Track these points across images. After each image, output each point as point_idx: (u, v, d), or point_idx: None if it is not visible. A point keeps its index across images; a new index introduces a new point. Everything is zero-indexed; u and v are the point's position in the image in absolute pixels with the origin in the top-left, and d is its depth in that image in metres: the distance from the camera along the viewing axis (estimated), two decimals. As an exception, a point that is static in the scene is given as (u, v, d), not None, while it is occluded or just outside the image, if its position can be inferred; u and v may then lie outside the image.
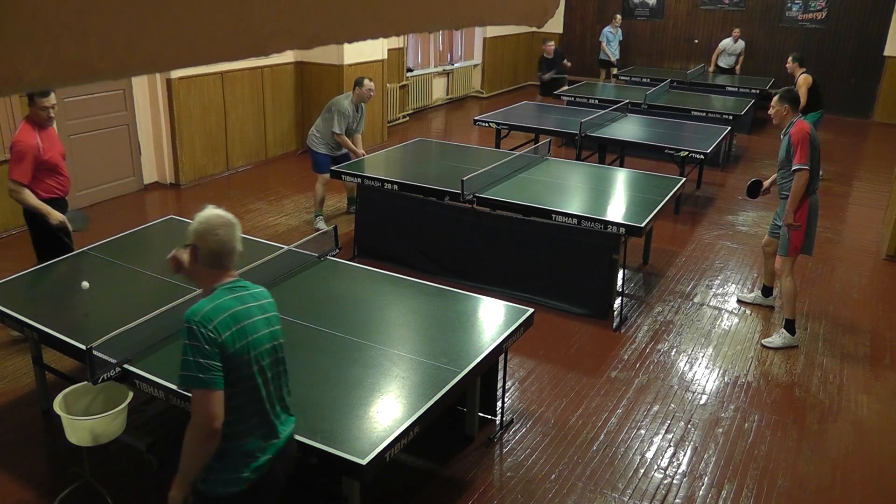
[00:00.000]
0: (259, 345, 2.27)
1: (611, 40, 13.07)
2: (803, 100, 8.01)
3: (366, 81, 6.66)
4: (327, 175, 6.63)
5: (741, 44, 12.60)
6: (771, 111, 4.88)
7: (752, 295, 5.64)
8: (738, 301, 5.65)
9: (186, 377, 2.14)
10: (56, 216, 4.43)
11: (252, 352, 2.24)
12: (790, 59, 6.87)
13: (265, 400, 2.32)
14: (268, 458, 2.33)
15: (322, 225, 6.99)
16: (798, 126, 4.71)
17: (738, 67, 12.66)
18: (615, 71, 13.17)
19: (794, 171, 4.67)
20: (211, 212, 2.29)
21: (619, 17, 13.34)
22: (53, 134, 4.61)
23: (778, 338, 4.96)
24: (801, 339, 5.08)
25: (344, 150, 6.84)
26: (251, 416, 2.28)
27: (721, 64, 12.75)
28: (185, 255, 2.28)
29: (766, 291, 5.56)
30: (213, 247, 2.24)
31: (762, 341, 5.01)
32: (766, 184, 5.43)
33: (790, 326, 4.95)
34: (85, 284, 3.87)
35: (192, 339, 2.14)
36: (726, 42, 12.62)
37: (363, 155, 6.83)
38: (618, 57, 13.29)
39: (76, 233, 4.64)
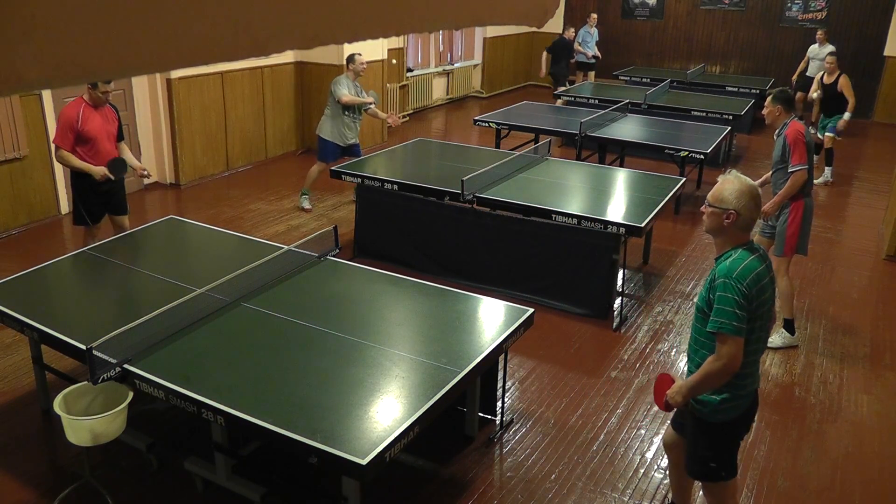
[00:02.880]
0: (770, 300, 2.65)
1: (587, 41, 12.47)
2: (852, 100, 8.21)
3: (356, 56, 6.92)
4: (326, 164, 6.85)
5: (829, 47, 10.17)
6: (764, 111, 4.90)
7: None
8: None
9: (723, 324, 2.51)
10: (98, 171, 4.95)
11: (764, 307, 2.60)
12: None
13: (762, 348, 2.73)
14: (754, 394, 2.78)
15: (306, 204, 7.20)
16: (792, 127, 4.71)
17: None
18: (592, 74, 12.66)
19: (792, 171, 4.67)
20: (745, 179, 2.65)
21: (594, 16, 12.71)
22: (106, 113, 5.09)
23: (778, 338, 4.96)
24: (801, 339, 5.08)
25: (353, 141, 7.04)
26: (754, 362, 2.70)
27: (810, 73, 10.42)
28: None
29: None
30: (753, 214, 2.61)
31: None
32: (756, 182, 5.44)
33: (790, 326, 4.96)
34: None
35: (731, 292, 2.50)
36: (813, 48, 10.69)
37: (393, 121, 7.39)
38: (598, 56, 12.51)
39: (121, 178, 5.19)
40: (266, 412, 2.81)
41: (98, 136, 4.99)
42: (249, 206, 7.54)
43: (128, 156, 5.27)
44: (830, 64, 8.38)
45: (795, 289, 4.91)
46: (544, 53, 11.66)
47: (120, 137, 5.24)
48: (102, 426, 3.07)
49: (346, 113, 6.94)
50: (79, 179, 5.07)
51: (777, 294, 5.07)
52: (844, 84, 8.35)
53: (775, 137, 4.87)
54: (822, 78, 8.57)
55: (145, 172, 5.36)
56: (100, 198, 5.18)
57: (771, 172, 4.97)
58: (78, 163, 4.93)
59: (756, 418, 4.11)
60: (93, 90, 4.96)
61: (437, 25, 0.84)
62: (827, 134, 8.56)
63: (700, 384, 2.64)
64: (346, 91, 6.83)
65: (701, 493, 3.22)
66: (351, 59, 6.94)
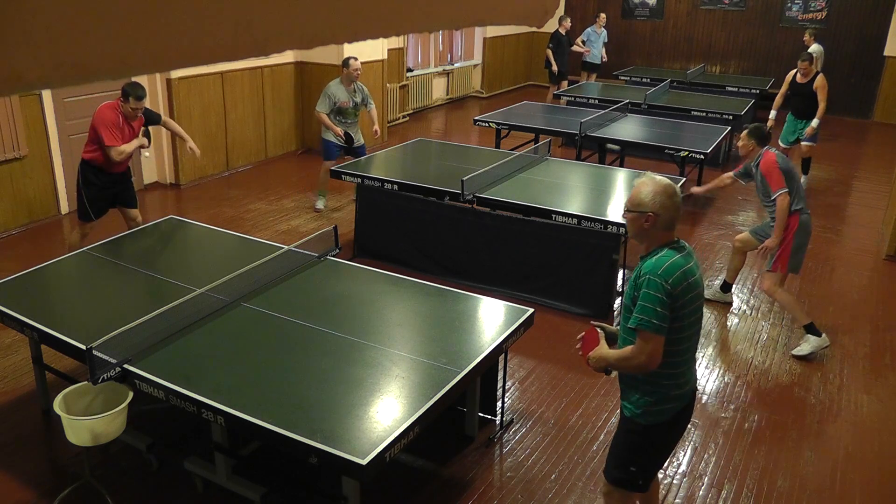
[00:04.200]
0: (699, 298, 2.59)
1: (593, 41, 12.02)
2: (823, 104, 7.82)
3: (351, 61, 6.92)
4: (332, 162, 6.87)
5: (813, 48, 10.11)
6: (739, 143, 5.06)
7: (711, 291, 5.56)
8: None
9: (643, 320, 2.47)
10: (135, 144, 5.21)
11: (692, 305, 2.55)
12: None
13: (693, 348, 2.67)
14: (686, 399, 2.68)
15: (320, 204, 7.29)
16: (764, 158, 4.84)
17: None
18: (593, 76, 12.31)
19: (775, 196, 4.73)
20: (660, 179, 2.59)
21: (603, 16, 12.25)
22: (136, 125, 5.26)
23: (806, 345, 4.83)
24: (802, 339, 5.08)
25: (357, 143, 7.10)
26: (684, 362, 2.63)
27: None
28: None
29: (725, 287, 5.59)
30: (673, 213, 2.56)
31: (792, 352, 4.85)
32: (697, 189, 5.80)
33: (812, 329, 4.83)
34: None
35: (655, 289, 2.46)
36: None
37: (376, 130, 7.20)
38: (599, 59, 12.11)
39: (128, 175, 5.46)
40: (266, 412, 2.81)
41: (124, 143, 5.15)
42: (249, 206, 7.54)
43: (178, 130, 5.85)
44: (803, 64, 7.94)
45: (795, 291, 4.89)
46: (548, 50, 11.48)
47: (155, 123, 5.53)
48: (102, 426, 3.07)
49: (337, 118, 6.98)
50: (90, 174, 5.19)
51: (782, 309, 5.10)
52: (820, 85, 7.88)
53: (753, 171, 4.99)
54: (794, 77, 8.17)
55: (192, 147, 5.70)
56: (106, 193, 5.30)
57: (764, 206, 5.09)
58: (131, 147, 5.16)
59: (756, 418, 4.14)
60: (125, 103, 5.08)
61: (437, 25, 0.84)
62: (804, 143, 8.13)
63: (615, 366, 2.65)
64: (326, 107, 6.87)
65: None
66: (346, 63, 6.93)
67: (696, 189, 5.85)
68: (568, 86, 11.61)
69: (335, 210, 7.47)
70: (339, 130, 6.90)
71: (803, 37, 10.64)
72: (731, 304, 5.58)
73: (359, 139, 7.16)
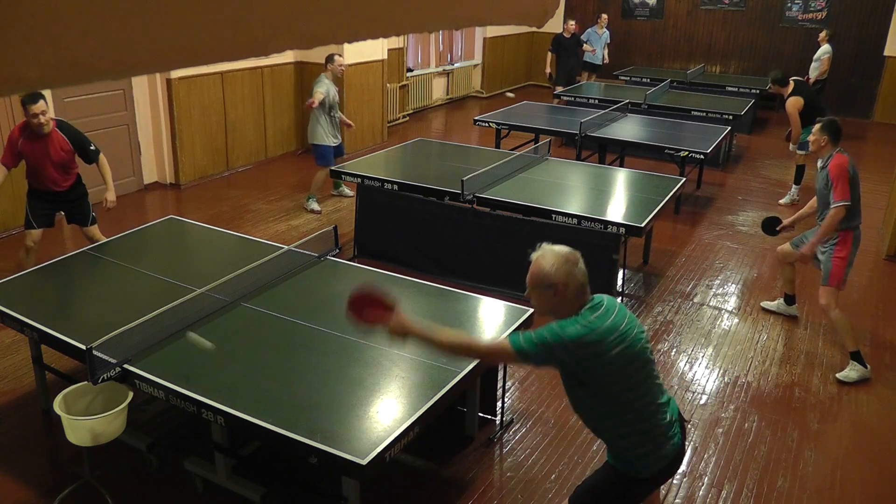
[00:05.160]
0: (629, 347, 2.40)
1: (594, 41, 11.83)
2: (796, 129, 7.39)
3: (336, 57, 7.02)
4: (328, 168, 6.83)
5: (821, 49, 10.06)
6: (811, 138, 4.69)
7: (776, 303, 5.42)
8: (763, 309, 5.47)
9: (520, 336, 2.39)
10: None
11: (624, 355, 2.38)
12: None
13: (644, 398, 2.47)
14: (671, 454, 2.53)
15: (315, 206, 7.31)
16: (837, 160, 4.52)
17: None
18: (594, 76, 12.20)
19: (834, 206, 4.46)
20: (559, 249, 2.45)
21: (604, 16, 12.10)
22: (48, 142, 4.82)
23: (853, 371, 4.58)
24: (802, 339, 5.08)
25: (338, 141, 7.21)
26: (651, 413, 2.47)
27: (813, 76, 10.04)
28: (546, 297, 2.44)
29: (789, 300, 5.35)
30: (581, 279, 2.43)
31: (837, 375, 4.60)
32: (786, 221, 5.24)
33: (857, 357, 4.59)
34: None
35: (553, 337, 2.34)
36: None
37: (351, 124, 7.43)
38: (601, 60, 11.95)
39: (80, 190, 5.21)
40: (266, 412, 2.81)
41: (38, 164, 4.86)
42: (249, 206, 7.54)
43: (106, 176, 5.10)
44: (773, 86, 7.58)
45: (837, 312, 4.61)
46: (548, 55, 11.38)
47: (88, 160, 5.02)
48: (102, 426, 3.07)
49: (330, 114, 7.05)
50: (29, 188, 5.02)
51: (834, 327, 4.82)
52: (788, 110, 7.44)
53: (819, 168, 4.70)
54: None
55: (109, 203, 5.15)
56: (49, 204, 5.09)
57: (815, 203, 4.82)
58: None
59: (756, 418, 4.14)
60: (26, 115, 4.68)
61: (437, 25, 0.84)
62: (799, 151, 7.66)
63: (436, 343, 2.46)
64: (320, 93, 6.88)
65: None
66: (330, 59, 7.01)
67: (786, 222, 5.26)
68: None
69: (335, 210, 7.47)
70: (348, 122, 7.16)
71: (818, 36, 10.60)
72: (796, 317, 5.34)
73: (339, 138, 7.29)
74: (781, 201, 7.98)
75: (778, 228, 5.27)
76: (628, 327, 2.42)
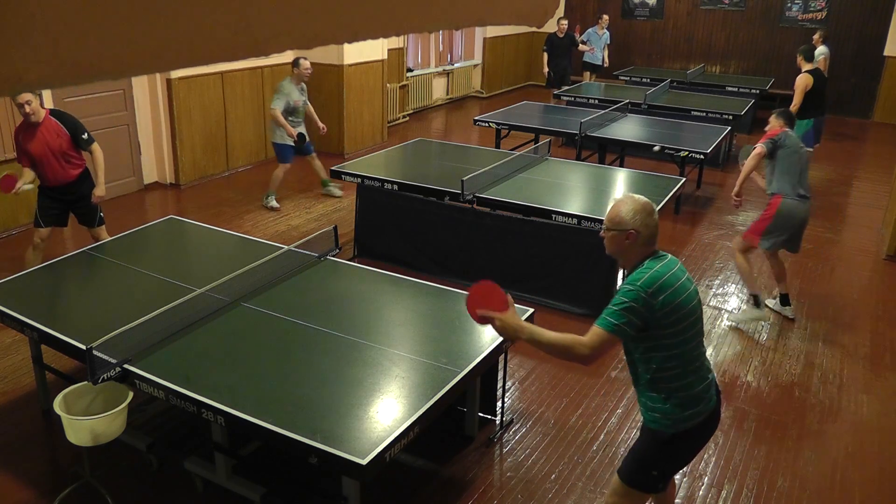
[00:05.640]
0: (688, 303, 2.55)
1: (594, 42, 11.80)
2: (795, 104, 7.78)
3: (301, 61, 7.09)
4: (288, 165, 7.19)
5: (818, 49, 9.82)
6: (767, 128, 5.21)
7: (774, 301, 5.47)
8: (766, 307, 5.42)
9: (603, 318, 2.48)
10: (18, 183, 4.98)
11: (683, 309, 2.52)
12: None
13: (699, 352, 2.63)
14: (709, 406, 2.63)
15: (273, 203, 7.43)
16: (776, 130, 5.10)
17: None
18: (594, 76, 12.17)
19: (756, 146, 5.03)
20: (638, 197, 2.63)
21: (605, 17, 12.05)
22: (43, 130, 4.88)
23: (745, 313, 5.24)
24: (802, 339, 5.08)
25: (308, 141, 7.25)
26: (694, 369, 2.59)
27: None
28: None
29: (783, 299, 5.38)
30: (653, 230, 2.60)
31: (729, 317, 5.30)
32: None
33: (756, 302, 5.17)
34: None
35: (627, 296, 2.46)
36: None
37: (323, 127, 7.42)
38: (600, 61, 11.90)
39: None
40: (266, 412, 2.81)
41: (40, 155, 4.88)
42: (249, 205, 7.54)
43: (98, 170, 5.12)
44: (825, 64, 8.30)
45: (796, 290, 4.96)
46: (544, 54, 11.30)
47: (79, 147, 5.04)
48: (102, 426, 3.07)
49: (290, 118, 7.07)
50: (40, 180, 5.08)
51: (737, 272, 5.45)
52: (798, 84, 8.00)
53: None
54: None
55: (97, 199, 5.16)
56: (57, 203, 5.13)
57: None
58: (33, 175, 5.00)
59: (756, 418, 4.14)
60: (17, 107, 4.79)
61: (437, 25, 0.84)
62: (807, 149, 7.99)
63: (543, 346, 2.55)
64: (280, 105, 6.93)
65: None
66: (296, 63, 7.09)
67: (735, 194, 5.42)
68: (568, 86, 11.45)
69: (335, 210, 7.47)
70: (293, 131, 7.02)
71: (812, 37, 10.61)
72: (793, 319, 5.33)
73: (307, 137, 7.31)
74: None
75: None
76: (687, 282, 2.59)
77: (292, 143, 7.11)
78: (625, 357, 2.70)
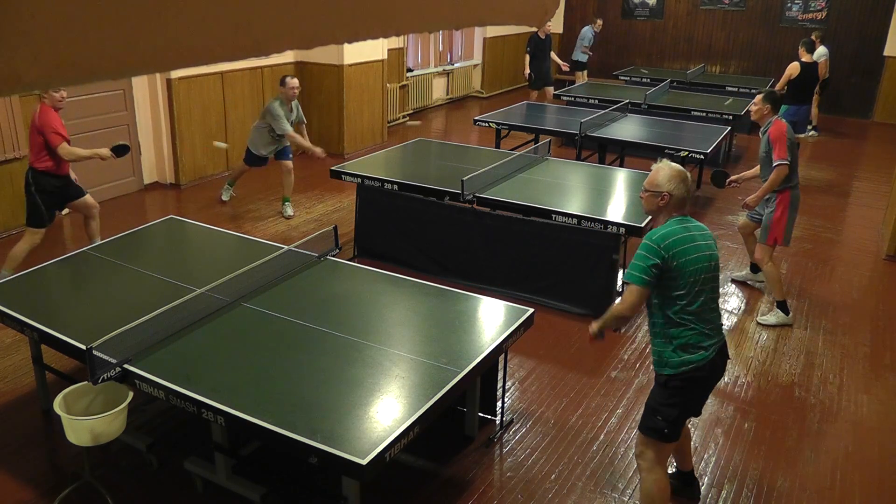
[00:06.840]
0: (702, 261, 2.89)
1: (590, 40, 12.13)
2: (780, 83, 8.48)
3: (287, 80, 6.84)
4: (249, 168, 7.25)
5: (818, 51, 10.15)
6: (752, 108, 5.23)
7: (743, 273, 5.97)
8: (731, 280, 5.97)
9: (629, 274, 2.91)
10: (104, 153, 5.47)
11: (689, 266, 2.86)
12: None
13: (705, 306, 2.92)
14: (710, 353, 2.93)
15: (225, 196, 7.51)
16: (775, 126, 5.06)
17: None
18: (585, 74, 12.43)
19: (775, 166, 4.99)
20: (676, 165, 3.03)
21: (599, 21, 12.43)
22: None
23: (772, 316, 5.27)
24: (802, 339, 5.08)
25: (266, 153, 7.05)
26: (699, 319, 2.90)
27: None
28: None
29: (754, 268, 5.85)
30: (684, 194, 2.97)
31: (757, 318, 5.31)
32: (734, 177, 5.67)
33: (783, 307, 5.24)
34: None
35: (643, 249, 2.88)
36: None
37: (320, 152, 6.95)
38: (585, 59, 12.29)
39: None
40: (266, 412, 2.81)
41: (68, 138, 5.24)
42: (249, 206, 7.54)
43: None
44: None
45: (784, 277, 5.12)
46: (526, 56, 11.04)
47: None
48: (102, 426, 3.07)
49: (275, 135, 6.88)
50: (45, 180, 5.27)
51: (765, 279, 5.52)
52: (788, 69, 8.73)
53: (760, 135, 5.22)
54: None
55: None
56: (58, 195, 5.45)
57: (759, 167, 5.35)
58: (85, 152, 5.30)
59: (756, 418, 4.14)
60: (50, 97, 5.16)
61: (437, 25, 0.84)
62: (812, 133, 8.68)
63: (609, 317, 3.15)
64: (288, 127, 6.75)
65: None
66: (282, 82, 6.83)
67: (734, 177, 5.69)
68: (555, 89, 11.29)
69: (335, 210, 7.47)
70: (318, 151, 6.89)
71: (810, 37, 10.63)
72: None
73: (273, 151, 7.11)
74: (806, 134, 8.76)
75: (728, 182, 5.66)
76: (704, 246, 2.92)
77: (259, 155, 7.02)
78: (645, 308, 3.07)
